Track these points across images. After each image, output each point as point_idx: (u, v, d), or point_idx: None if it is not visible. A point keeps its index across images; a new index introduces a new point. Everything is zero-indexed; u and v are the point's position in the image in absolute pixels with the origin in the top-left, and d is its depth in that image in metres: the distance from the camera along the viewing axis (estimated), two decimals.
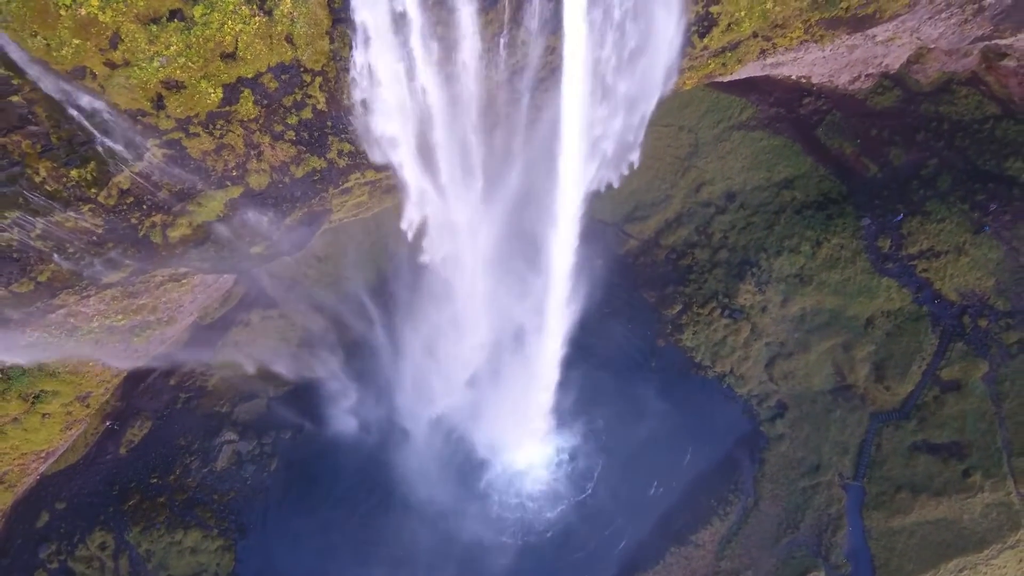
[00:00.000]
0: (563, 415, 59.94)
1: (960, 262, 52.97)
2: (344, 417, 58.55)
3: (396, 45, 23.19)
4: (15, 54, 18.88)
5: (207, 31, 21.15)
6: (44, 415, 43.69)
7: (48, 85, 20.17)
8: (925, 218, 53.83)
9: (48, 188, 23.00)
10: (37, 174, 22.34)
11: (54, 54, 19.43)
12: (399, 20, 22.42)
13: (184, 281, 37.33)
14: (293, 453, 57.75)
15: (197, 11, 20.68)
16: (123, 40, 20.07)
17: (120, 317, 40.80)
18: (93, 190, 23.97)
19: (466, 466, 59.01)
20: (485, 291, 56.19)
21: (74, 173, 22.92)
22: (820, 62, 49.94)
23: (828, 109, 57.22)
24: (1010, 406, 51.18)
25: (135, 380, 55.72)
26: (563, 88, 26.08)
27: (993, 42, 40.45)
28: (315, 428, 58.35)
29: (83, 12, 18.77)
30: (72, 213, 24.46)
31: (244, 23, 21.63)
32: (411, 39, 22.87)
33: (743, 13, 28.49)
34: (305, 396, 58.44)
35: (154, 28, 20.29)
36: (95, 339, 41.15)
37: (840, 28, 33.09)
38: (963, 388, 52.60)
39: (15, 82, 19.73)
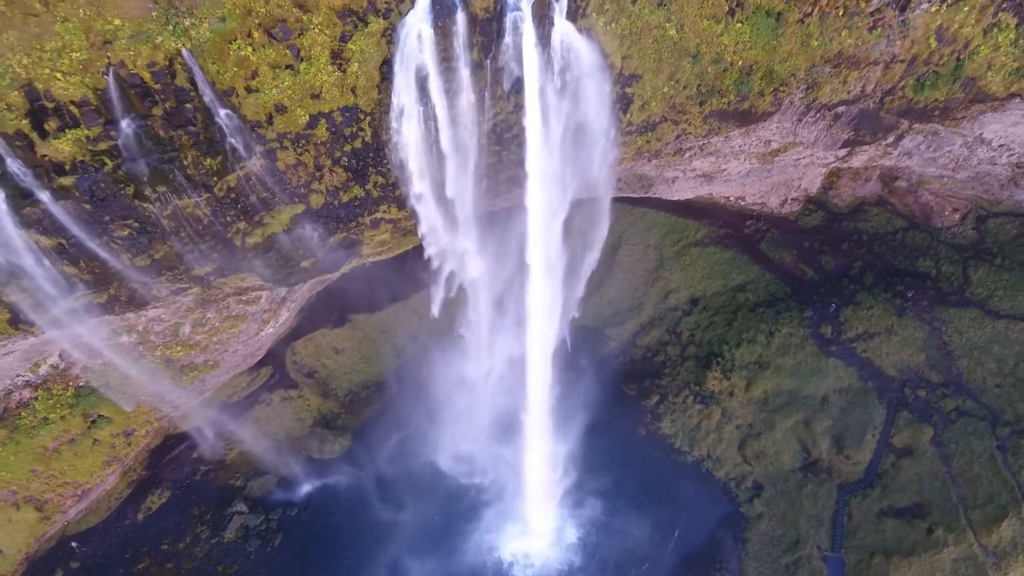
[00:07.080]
0: (554, 502, 66.65)
1: (892, 341, 64.01)
2: (349, 495, 65.53)
3: (418, 96, 38.35)
4: (197, 75, 33.69)
5: (306, 77, 36.48)
6: (95, 441, 52.60)
7: (207, 98, 34.74)
8: (857, 307, 66.10)
9: (188, 172, 36.72)
10: (185, 159, 36.20)
11: (219, 76, 34.36)
12: (421, 78, 37.70)
13: (244, 298, 49.26)
14: (297, 530, 64.10)
15: (302, 66, 36.22)
16: (259, 75, 35.25)
17: (179, 348, 52.13)
18: (214, 178, 37.70)
19: (467, 547, 64.40)
20: (489, 371, 66.46)
21: (207, 162, 36.83)
22: (748, 183, 66.10)
23: (767, 228, 72.53)
24: (958, 464, 58.62)
25: (162, 452, 64.23)
26: (527, 139, 40.85)
27: (869, 154, 56.26)
28: (320, 506, 65.19)
29: (242, 53, 34.03)
30: (196, 197, 37.85)
31: (328, 76, 37.04)
32: (432, 92, 38.01)
33: (649, 95, 44.25)
34: (313, 474, 66.32)
35: (277, 71, 35.56)
36: (155, 368, 51.92)
37: (730, 121, 48.76)
38: (915, 452, 60.41)
39: (191, 94, 34.40)
